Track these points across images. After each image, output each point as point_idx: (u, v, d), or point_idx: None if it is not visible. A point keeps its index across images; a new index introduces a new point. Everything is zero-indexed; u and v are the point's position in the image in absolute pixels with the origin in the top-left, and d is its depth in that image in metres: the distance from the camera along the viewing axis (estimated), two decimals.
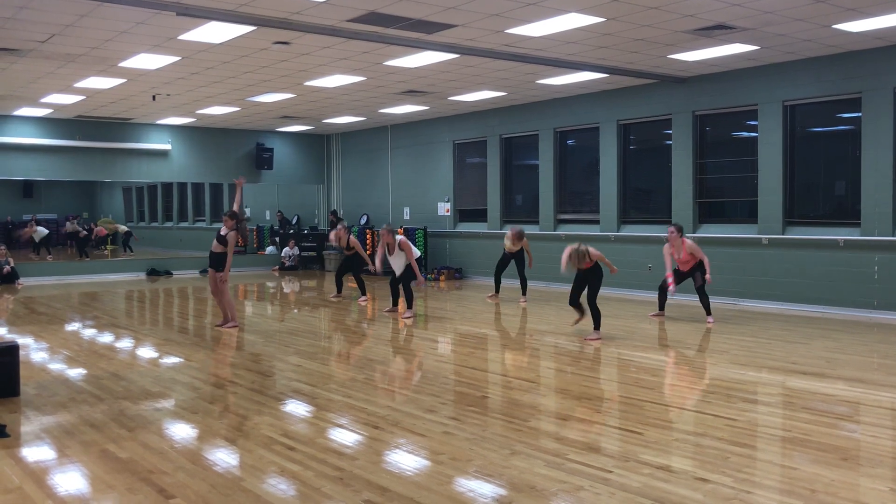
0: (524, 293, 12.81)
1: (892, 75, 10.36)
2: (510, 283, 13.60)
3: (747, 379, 7.07)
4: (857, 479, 4.38)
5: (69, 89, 13.44)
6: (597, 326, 8.96)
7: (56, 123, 17.34)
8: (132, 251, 22.80)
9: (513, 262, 12.88)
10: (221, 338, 9.45)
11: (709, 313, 10.20)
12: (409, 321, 10.64)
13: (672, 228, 10.16)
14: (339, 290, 13.39)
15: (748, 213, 12.21)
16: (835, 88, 10.97)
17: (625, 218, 13.87)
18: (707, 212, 12.85)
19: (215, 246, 9.79)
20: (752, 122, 12.00)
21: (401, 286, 11.22)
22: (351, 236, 12.95)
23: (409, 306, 11.08)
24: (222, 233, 9.72)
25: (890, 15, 8.86)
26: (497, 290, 13.18)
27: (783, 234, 11.60)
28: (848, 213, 11.12)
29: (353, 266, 13.18)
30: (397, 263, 11.06)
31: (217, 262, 9.81)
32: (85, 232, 22.10)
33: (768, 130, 11.67)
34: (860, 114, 10.74)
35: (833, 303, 11.02)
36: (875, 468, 4.60)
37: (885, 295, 10.54)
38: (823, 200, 11.75)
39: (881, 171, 10.51)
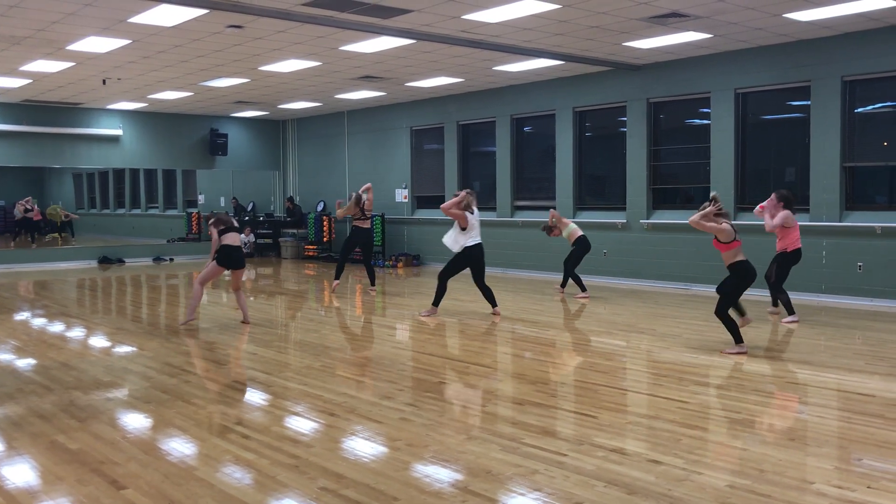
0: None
1: (840, 64, 10.58)
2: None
3: (699, 362, 7.19)
4: (803, 458, 4.49)
5: (14, 73, 13.06)
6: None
7: (1, 108, 16.86)
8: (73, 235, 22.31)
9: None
10: (175, 326, 9.31)
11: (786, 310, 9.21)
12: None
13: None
14: (373, 281, 12.34)
15: (701, 200, 12.29)
16: (785, 76, 11.17)
17: (580, 204, 13.98)
18: (661, 198, 13.02)
19: (234, 239, 8.98)
20: (705, 110, 12.17)
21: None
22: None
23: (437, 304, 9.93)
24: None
25: (837, 5, 9.04)
26: (579, 286, 11.48)
27: (735, 220, 11.76)
28: (797, 199, 11.32)
29: (368, 247, 12.13)
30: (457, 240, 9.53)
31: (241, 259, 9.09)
32: (39, 216, 21.56)
33: (721, 118, 11.85)
34: (809, 102, 10.96)
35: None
36: (821, 447, 4.72)
37: (831, 279, 10.81)
38: (774, 187, 11.92)
39: (829, 159, 10.75)
